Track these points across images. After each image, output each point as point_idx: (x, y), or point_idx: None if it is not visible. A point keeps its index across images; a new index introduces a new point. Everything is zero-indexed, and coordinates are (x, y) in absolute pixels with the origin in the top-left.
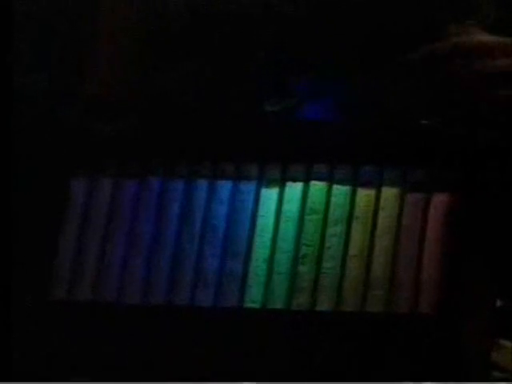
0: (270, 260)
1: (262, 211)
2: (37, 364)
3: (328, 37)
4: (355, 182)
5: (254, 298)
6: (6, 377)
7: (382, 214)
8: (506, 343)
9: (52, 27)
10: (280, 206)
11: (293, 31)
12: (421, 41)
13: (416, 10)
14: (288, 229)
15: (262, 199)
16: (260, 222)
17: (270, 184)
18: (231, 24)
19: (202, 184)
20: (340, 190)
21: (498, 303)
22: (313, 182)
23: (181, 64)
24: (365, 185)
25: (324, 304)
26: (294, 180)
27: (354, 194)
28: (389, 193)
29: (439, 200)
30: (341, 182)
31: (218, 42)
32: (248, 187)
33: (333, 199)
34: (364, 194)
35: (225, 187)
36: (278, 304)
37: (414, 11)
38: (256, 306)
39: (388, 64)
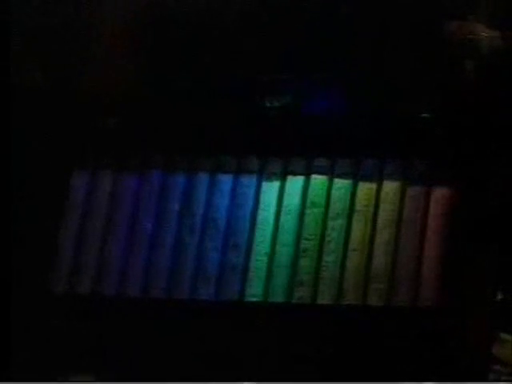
0: (271, 253)
1: (262, 204)
2: (37, 358)
3: (328, 33)
4: (356, 176)
5: (254, 291)
6: (6, 377)
7: (382, 208)
8: (507, 337)
9: (50, 25)
10: (281, 200)
11: (292, 30)
12: (420, 36)
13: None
14: (289, 222)
15: (263, 192)
16: (261, 215)
17: (271, 177)
18: (230, 23)
19: (203, 177)
20: (341, 184)
21: (499, 297)
22: (314, 176)
23: (181, 60)
24: (366, 178)
25: (325, 297)
26: (295, 174)
27: (354, 187)
28: (389, 186)
29: (440, 193)
30: (341, 176)
31: (218, 39)
32: (249, 180)
33: (333, 193)
34: (365, 188)
35: (226, 180)
36: (278, 297)
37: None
38: (257, 299)
39: (388, 60)
